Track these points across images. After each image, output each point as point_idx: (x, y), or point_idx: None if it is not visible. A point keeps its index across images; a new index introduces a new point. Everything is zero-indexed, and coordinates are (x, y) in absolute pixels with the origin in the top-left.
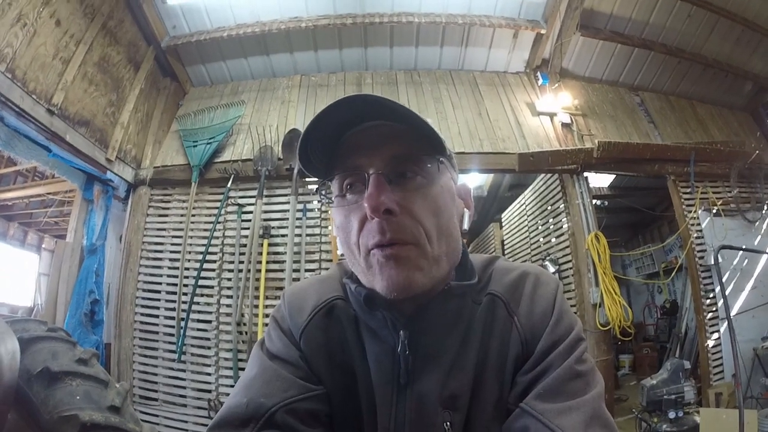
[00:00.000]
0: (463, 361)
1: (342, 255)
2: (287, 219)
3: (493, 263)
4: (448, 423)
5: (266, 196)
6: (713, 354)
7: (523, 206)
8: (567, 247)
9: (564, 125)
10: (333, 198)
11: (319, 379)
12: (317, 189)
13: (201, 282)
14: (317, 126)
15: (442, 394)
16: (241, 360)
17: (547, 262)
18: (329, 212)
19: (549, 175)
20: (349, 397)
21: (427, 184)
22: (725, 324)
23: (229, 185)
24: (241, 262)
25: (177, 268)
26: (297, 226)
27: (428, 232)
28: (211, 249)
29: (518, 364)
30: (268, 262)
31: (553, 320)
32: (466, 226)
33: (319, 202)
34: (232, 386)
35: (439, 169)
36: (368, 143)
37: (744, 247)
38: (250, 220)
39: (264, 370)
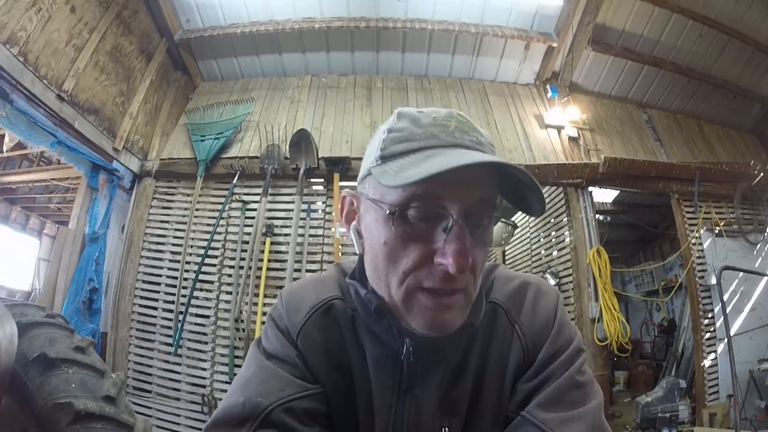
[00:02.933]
0: (464, 367)
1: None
2: (291, 218)
3: (493, 271)
4: (447, 428)
5: (271, 195)
6: (709, 374)
7: (526, 218)
8: (568, 260)
9: (571, 139)
10: (388, 208)
11: (316, 378)
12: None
13: (201, 276)
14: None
15: (442, 400)
16: (237, 357)
17: (547, 275)
18: (333, 213)
19: (553, 187)
20: (346, 397)
21: (490, 234)
22: (722, 344)
23: (234, 181)
24: (243, 259)
25: (178, 262)
26: (300, 226)
27: (476, 278)
28: (213, 244)
29: (519, 372)
30: (269, 261)
31: (555, 330)
32: None
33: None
34: (227, 382)
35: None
36: (457, 175)
37: (746, 269)
38: (253, 218)
39: (260, 369)
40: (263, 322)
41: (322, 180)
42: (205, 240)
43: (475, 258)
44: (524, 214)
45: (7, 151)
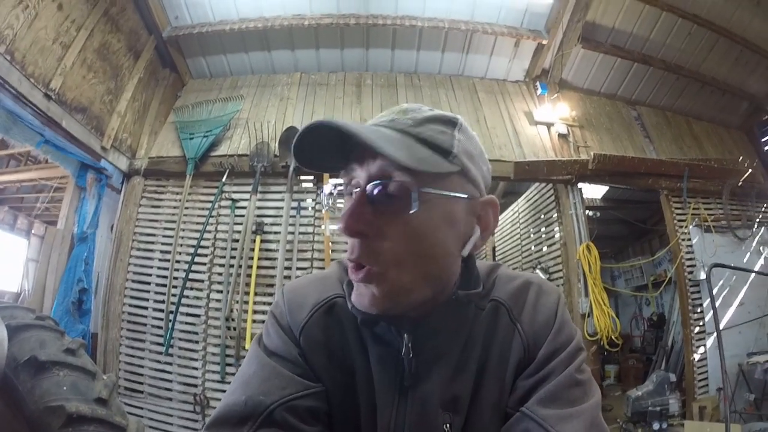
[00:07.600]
0: (465, 364)
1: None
2: (281, 216)
3: (496, 270)
4: (448, 425)
5: (261, 192)
6: (699, 368)
7: (516, 214)
8: (558, 256)
9: (560, 136)
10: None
11: (317, 376)
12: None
13: (191, 275)
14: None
15: (443, 397)
16: (228, 356)
17: (537, 271)
18: (323, 211)
19: (543, 184)
20: (347, 395)
21: (409, 208)
22: (711, 338)
23: (223, 179)
24: (233, 257)
25: (168, 260)
26: (290, 224)
27: (401, 258)
28: (203, 243)
29: (519, 370)
30: (259, 259)
31: (556, 329)
32: (465, 252)
33: (323, 195)
34: (219, 381)
35: (420, 197)
36: (370, 146)
37: (735, 265)
38: (243, 216)
39: (262, 367)
40: (254, 321)
41: (312, 178)
42: (195, 239)
43: (386, 228)
44: (514, 212)
45: None
